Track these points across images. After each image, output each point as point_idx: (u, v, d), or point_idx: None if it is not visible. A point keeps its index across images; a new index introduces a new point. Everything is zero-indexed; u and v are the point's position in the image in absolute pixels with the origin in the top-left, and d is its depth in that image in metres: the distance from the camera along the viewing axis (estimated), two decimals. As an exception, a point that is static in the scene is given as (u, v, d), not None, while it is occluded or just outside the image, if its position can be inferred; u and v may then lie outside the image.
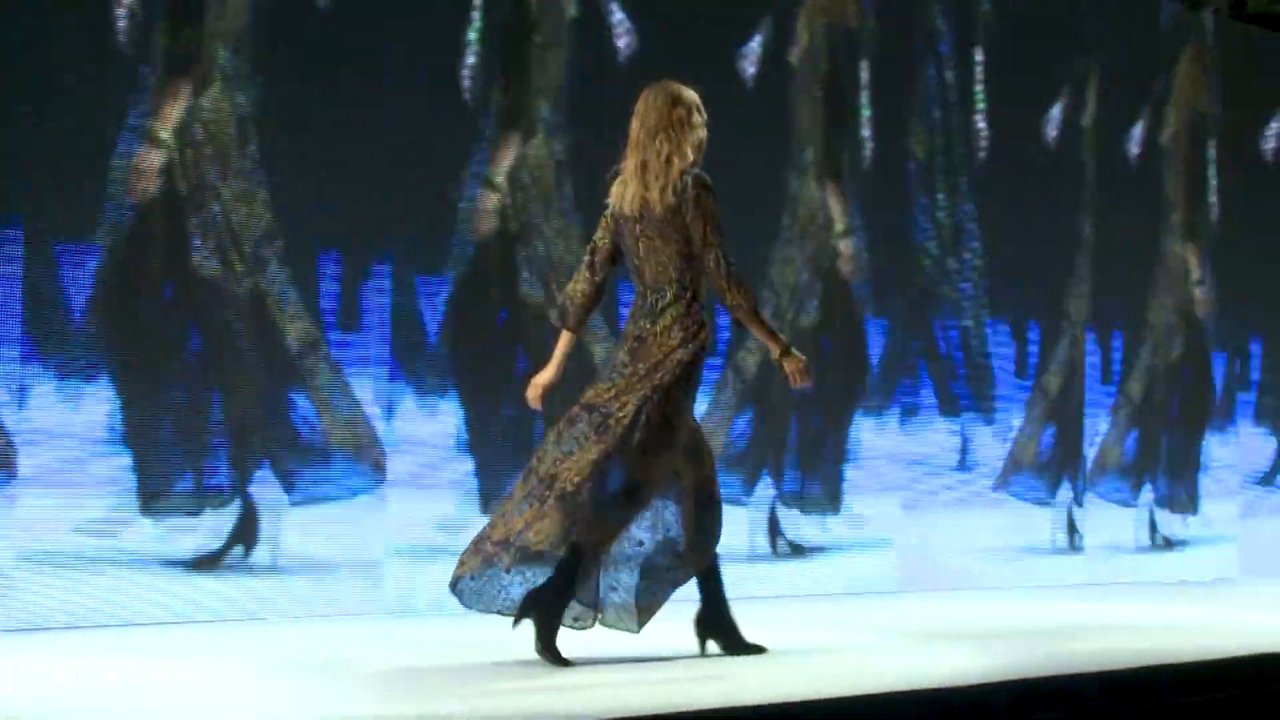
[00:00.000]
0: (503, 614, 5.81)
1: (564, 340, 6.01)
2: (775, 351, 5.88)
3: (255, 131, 6.96)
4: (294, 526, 7.03)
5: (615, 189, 5.96)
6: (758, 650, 5.99)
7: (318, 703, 4.97)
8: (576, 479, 5.77)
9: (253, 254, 6.95)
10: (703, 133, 5.93)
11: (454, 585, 5.84)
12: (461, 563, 5.84)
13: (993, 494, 9.46)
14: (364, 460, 7.24)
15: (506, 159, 7.65)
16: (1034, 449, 9.66)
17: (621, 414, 5.80)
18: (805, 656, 6.07)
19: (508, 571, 5.77)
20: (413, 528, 7.30)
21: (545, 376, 5.99)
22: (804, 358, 5.89)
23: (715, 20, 8.38)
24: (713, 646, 6.00)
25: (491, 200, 7.61)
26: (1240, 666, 6.15)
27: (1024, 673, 5.68)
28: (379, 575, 7.21)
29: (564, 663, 5.69)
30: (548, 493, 5.77)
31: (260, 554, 6.96)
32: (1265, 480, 10.99)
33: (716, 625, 5.99)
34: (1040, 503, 9.68)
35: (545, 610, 5.73)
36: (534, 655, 5.69)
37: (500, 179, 7.62)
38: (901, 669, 5.81)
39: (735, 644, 5.99)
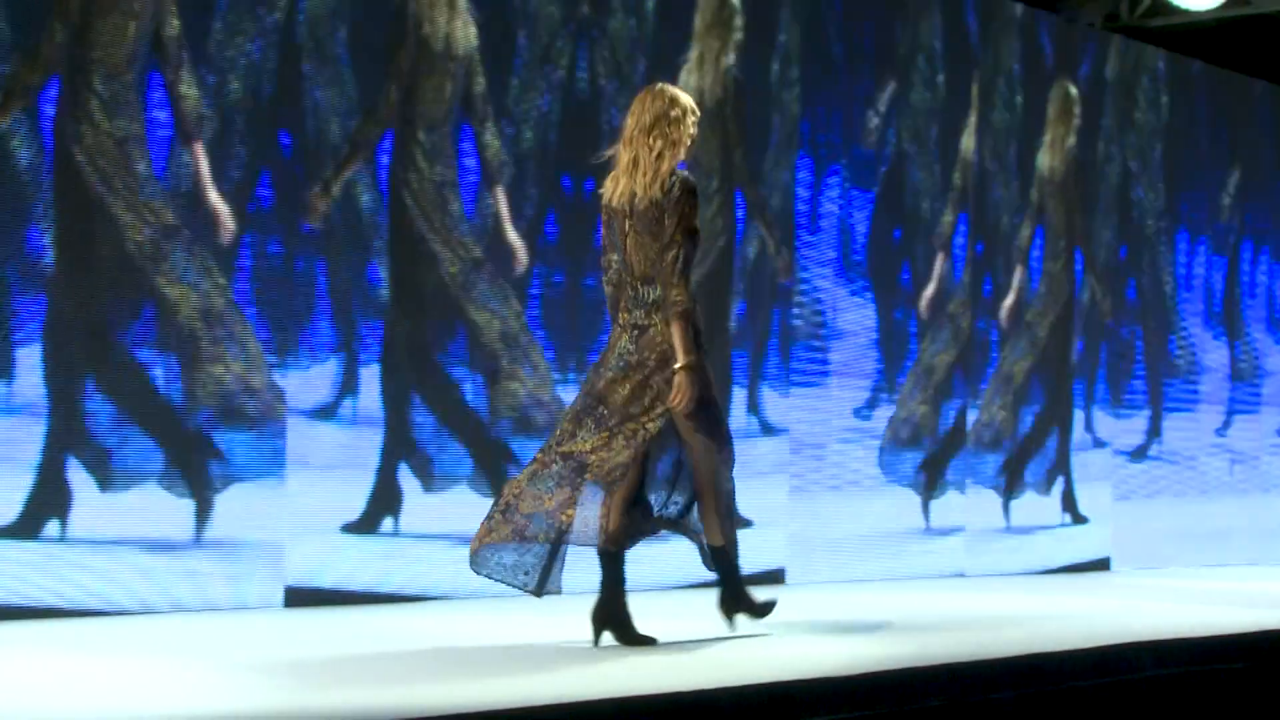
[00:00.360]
0: (524, 589, 6.05)
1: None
2: (680, 360, 5.99)
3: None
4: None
5: (607, 183, 6.21)
6: (649, 641, 6.13)
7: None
8: (608, 476, 6.05)
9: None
10: (694, 132, 6.16)
11: (476, 554, 6.05)
12: (489, 530, 6.05)
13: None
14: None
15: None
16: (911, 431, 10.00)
17: (651, 425, 6.06)
18: (697, 647, 6.17)
19: (544, 543, 6.03)
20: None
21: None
22: (697, 387, 6.01)
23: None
24: (608, 638, 6.15)
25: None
26: (1117, 655, 6.36)
27: (907, 662, 5.84)
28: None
29: (652, 640, 6.06)
30: (579, 480, 6.04)
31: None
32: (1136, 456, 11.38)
33: (616, 617, 6.14)
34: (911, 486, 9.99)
35: (613, 612, 6.07)
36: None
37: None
38: (791, 658, 5.93)
39: (631, 636, 6.14)
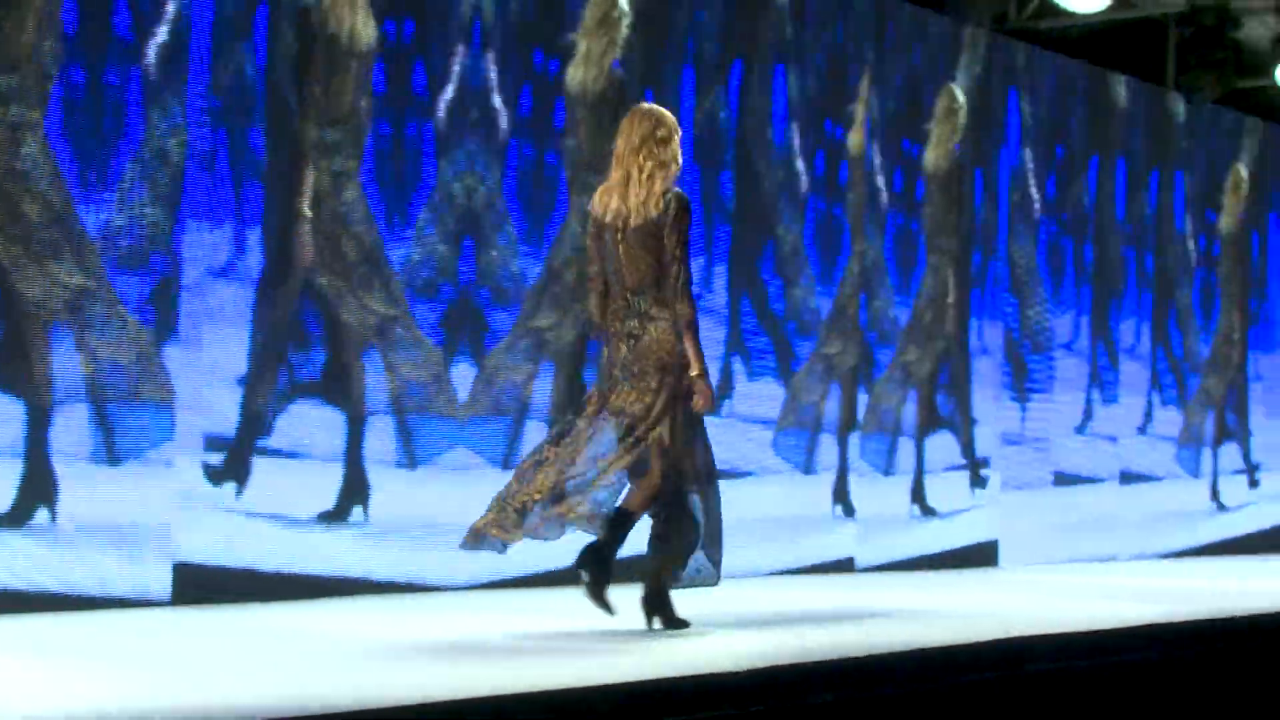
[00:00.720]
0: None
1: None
2: (694, 369, 6.40)
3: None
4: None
5: (599, 198, 6.54)
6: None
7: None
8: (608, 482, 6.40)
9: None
10: (678, 150, 6.51)
11: (477, 535, 6.39)
12: (501, 527, 6.37)
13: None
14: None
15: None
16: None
17: (653, 431, 6.40)
18: (596, 642, 6.22)
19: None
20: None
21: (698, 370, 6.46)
22: (713, 388, 6.47)
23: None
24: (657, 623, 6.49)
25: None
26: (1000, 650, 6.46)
27: (794, 658, 5.87)
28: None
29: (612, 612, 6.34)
30: (586, 485, 6.39)
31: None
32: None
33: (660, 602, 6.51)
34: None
35: (601, 565, 6.35)
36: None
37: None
38: (678, 654, 5.95)
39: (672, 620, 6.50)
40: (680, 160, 6.52)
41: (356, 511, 7.86)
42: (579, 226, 8.59)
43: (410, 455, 8.08)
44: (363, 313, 7.95)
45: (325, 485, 7.81)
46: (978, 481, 11.05)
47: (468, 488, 7.57)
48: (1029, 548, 11.27)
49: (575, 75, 8.79)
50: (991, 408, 11.24)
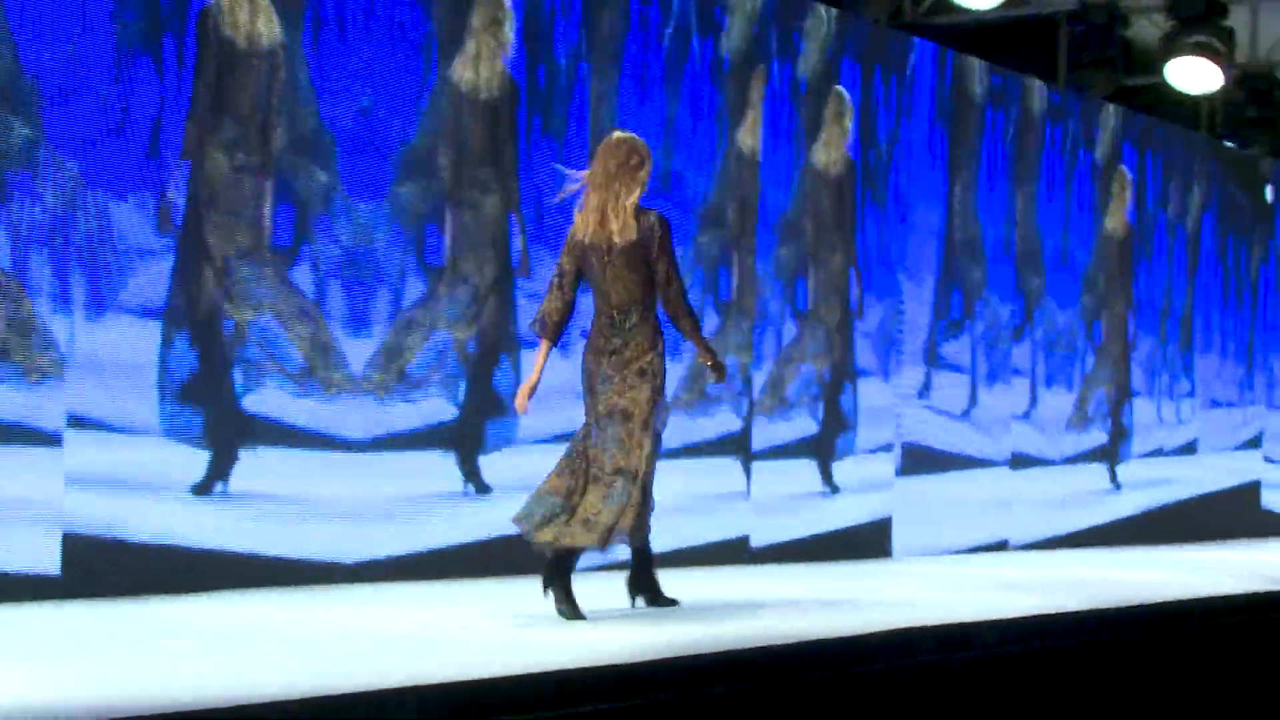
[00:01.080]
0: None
1: (543, 350, 7.04)
2: (711, 359, 7.09)
3: None
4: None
5: (579, 219, 7.02)
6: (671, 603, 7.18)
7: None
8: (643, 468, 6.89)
9: None
10: (646, 176, 7.02)
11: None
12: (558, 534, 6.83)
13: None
14: None
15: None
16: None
17: (640, 415, 6.91)
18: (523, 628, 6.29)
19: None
20: None
21: (531, 382, 7.03)
22: (726, 367, 7.23)
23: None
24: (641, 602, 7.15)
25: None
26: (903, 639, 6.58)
27: (691, 649, 5.96)
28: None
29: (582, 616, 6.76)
30: (615, 478, 6.86)
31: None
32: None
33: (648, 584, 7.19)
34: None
35: (564, 574, 6.82)
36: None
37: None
38: (572, 644, 6.02)
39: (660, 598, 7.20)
40: (646, 181, 7.01)
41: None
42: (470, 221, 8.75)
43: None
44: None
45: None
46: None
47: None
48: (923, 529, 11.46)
49: (464, 76, 8.86)
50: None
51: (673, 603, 7.22)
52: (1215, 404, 14.73)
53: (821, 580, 9.12)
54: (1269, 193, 15.40)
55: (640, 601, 7.19)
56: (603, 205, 6.96)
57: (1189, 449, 14.35)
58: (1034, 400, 12.70)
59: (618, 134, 7.10)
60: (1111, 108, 13.43)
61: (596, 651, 5.81)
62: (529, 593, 6.94)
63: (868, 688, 6.22)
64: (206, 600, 7.40)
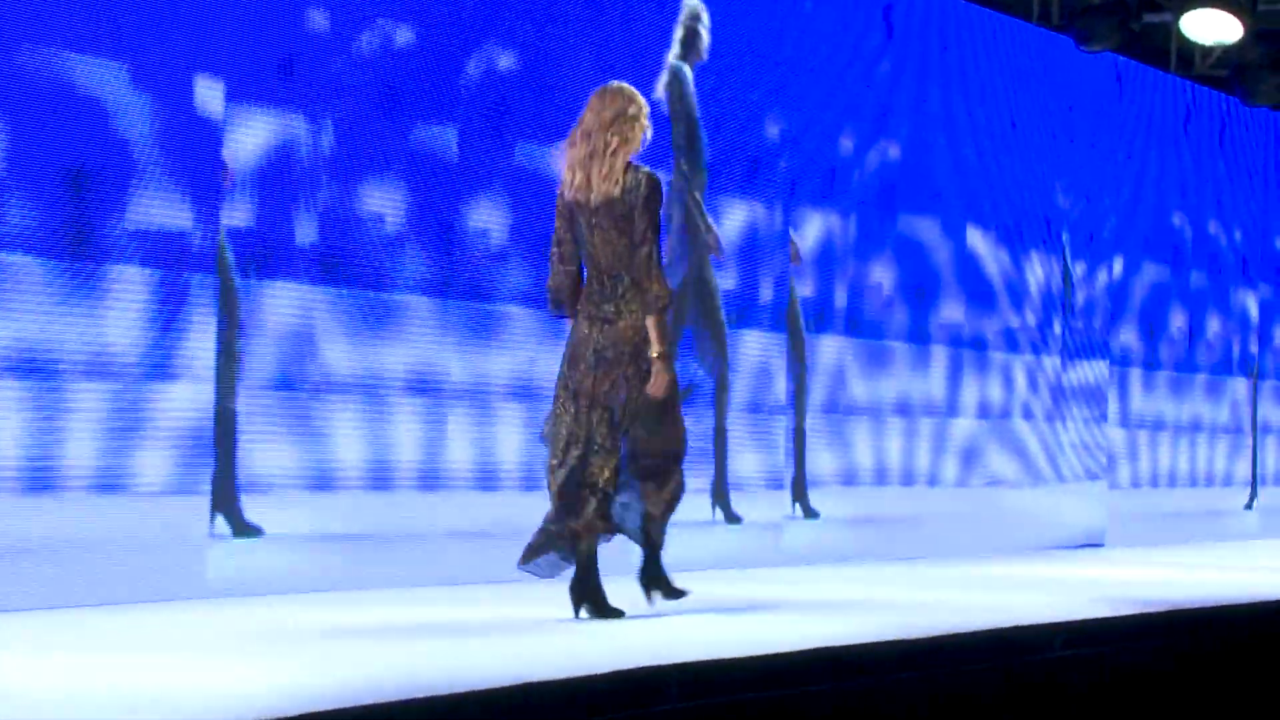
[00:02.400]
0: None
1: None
2: (655, 350, 6.42)
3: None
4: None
5: (565, 174, 6.49)
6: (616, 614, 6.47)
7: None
8: (607, 477, 6.44)
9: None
10: (649, 133, 6.51)
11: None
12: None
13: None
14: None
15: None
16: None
17: (622, 407, 6.43)
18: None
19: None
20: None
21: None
22: (673, 374, 6.48)
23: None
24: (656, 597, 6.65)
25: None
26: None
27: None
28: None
29: (620, 613, 6.43)
30: (587, 492, 6.42)
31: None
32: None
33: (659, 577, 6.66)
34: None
35: (593, 590, 6.45)
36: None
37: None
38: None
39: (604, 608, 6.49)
40: (641, 141, 6.50)
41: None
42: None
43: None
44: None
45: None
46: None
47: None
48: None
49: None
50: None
51: (683, 593, 6.75)
52: None
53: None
54: None
55: (657, 596, 6.71)
56: (589, 155, 6.42)
57: None
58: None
59: (615, 83, 6.57)
60: None
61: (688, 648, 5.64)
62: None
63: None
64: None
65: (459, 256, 8.08)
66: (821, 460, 10.13)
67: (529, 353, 8.19)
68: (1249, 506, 14.13)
